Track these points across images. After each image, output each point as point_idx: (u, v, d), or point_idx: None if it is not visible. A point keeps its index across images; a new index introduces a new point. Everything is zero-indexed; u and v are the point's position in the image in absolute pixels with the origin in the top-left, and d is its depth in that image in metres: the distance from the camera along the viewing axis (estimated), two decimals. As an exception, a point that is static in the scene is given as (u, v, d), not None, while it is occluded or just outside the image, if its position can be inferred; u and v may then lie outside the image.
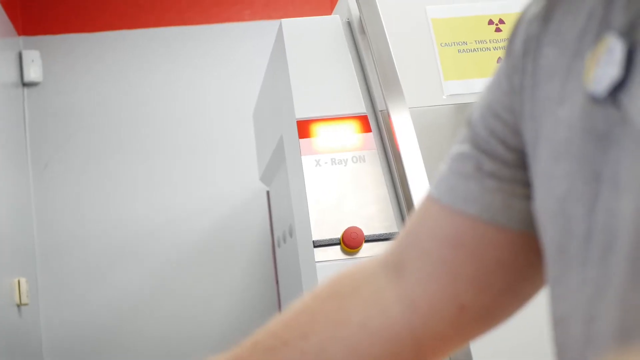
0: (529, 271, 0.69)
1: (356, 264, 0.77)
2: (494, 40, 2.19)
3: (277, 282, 3.06)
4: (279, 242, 2.78)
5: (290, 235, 2.36)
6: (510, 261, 0.68)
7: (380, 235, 1.96)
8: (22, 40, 3.55)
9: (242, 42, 3.66)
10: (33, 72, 3.52)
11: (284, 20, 2.22)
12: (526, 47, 0.64)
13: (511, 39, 0.68)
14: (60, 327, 3.45)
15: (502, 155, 0.68)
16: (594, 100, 0.54)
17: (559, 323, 0.60)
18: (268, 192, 3.10)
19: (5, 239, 3.07)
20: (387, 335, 0.68)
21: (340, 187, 2.01)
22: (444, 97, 2.15)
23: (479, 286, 0.68)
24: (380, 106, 2.10)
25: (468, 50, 2.19)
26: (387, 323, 0.69)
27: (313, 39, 2.19)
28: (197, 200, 3.55)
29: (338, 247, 1.94)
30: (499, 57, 2.18)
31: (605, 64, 0.53)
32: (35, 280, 3.42)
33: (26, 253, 3.37)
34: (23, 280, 3.17)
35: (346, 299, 0.71)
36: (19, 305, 3.14)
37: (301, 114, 2.09)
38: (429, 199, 0.73)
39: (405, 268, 0.71)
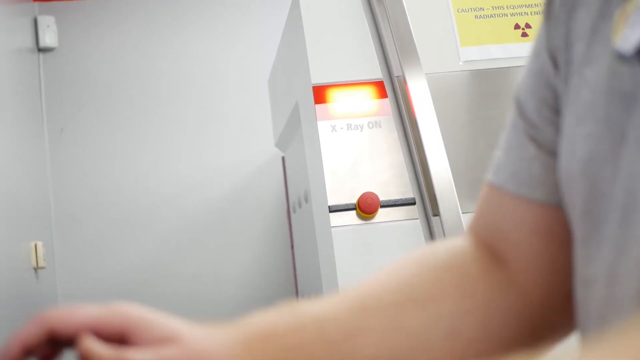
0: None
1: (447, 243, 0.76)
2: (511, 6, 2.18)
3: (292, 247, 3.08)
4: (294, 208, 2.79)
5: (306, 200, 2.36)
6: None
7: (395, 200, 1.97)
8: (37, 5, 3.55)
9: (259, 7, 3.65)
10: (48, 38, 3.52)
11: (300, -15, 2.21)
12: (562, 9, 0.64)
13: (549, 1, 0.67)
14: (76, 291, 3.48)
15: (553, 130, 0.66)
16: (621, 59, 0.54)
17: (583, 285, 0.60)
18: (283, 158, 3.11)
19: (22, 203, 3.10)
20: (508, 317, 0.67)
21: (356, 153, 2.01)
22: (461, 63, 2.14)
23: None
24: (396, 72, 2.09)
25: (485, 16, 2.18)
26: (506, 305, 0.68)
27: (329, 4, 2.18)
28: (212, 167, 3.56)
29: (354, 212, 1.95)
30: (516, 23, 2.17)
31: (633, 23, 0.53)
32: (52, 244, 3.45)
33: (42, 217, 3.39)
34: (40, 244, 3.20)
35: (466, 276, 0.69)
36: (35, 269, 3.17)
37: (317, 79, 2.09)
38: (492, 188, 0.71)
39: (503, 260, 0.70)
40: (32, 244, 3.15)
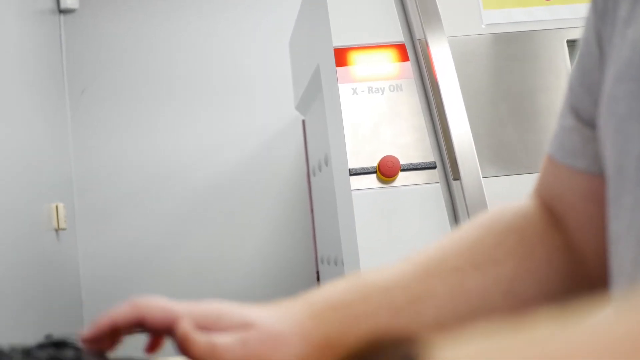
0: None
1: (511, 205, 0.77)
2: (535, -31, 2.16)
3: (311, 211, 3.08)
4: (314, 171, 2.80)
5: (326, 163, 2.36)
6: None
7: (416, 164, 1.97)
8: (58, -34, 3.54)
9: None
10: (69, 0, 3.52)
11: (322, -54, 2.19)
12: None
13: None
14: (97, 252, 3.51)
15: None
16: None
17: (614, 242, 0.60)
18: (304, 121, 3.11)
19: (43, 165, 3.12)
20: (565, 276, 0.69)
21: (376, 116, 2.01)
22: (483, 26, 2.12)
23: None
24: (418, 35, 2.08)
25: (508, -21, 2.16)
26: (564, 265, 0.69)
27: (351, -34, 2.16)
28: (232, 130, 3.56)
29: (374, 175, 1.95)
30: (540, -14, 2.14)
31: None
32: (73, 205, 3.47)
33: (64, 179, 3.41)
34: (61, 206, 3.22)
35: (527, 237, 0.71)
36: (56, 230, 3.20)
37: (338, 42, 2.08)
38: (547, 157, 0.73)
39: (562, 221, 0.71)
40: (53, 206, 3.18)
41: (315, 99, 2.52)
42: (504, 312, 0.67)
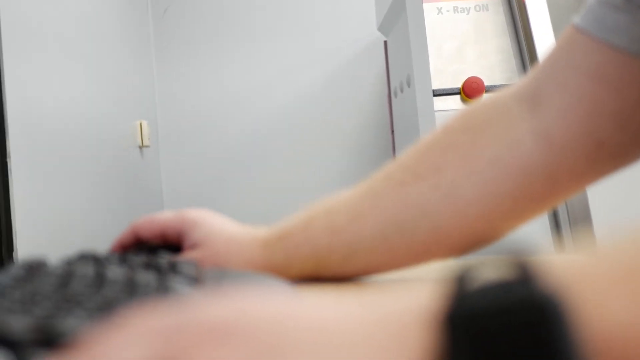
0: None
1: (489, 96, 0.75)
2: None
3: (392, 132, 3.07)
4: (395, 92, 2.78)
5: (408, 85, 2.34)
6: None
7: (501, 86, 1.94)
8: None
9: None
10: None
11: None
12: None
13: None
14: (179, 169, 3.57)
15: None
16: None
17: None
18: (385, 42, 3.07)
19: (127, 83, 3.16)
20: (521, 171, 0.67)
21: (461, 36, 1.98)
22: (575, -57, 2.06)
23: (618, 123, 0.66)
24: (506, -48, 2.03)
25: None
26: (521, 158, 0.67)
27: None
28: (314, 50, 3.55)
29: (458, 96, 1.93)
30: None
31: None
32: (156, 123, 3.53)
33: (147, 96, 3.47)
34: (144, 123, 3.28)
35: (478, 133, 0.69)
36: (140, 147, 3.26)
37: (424, -40, 2.04)
38: (573, 30, 0.69)
39: (542, 101, 0.69)
40: (138, 123, 3.24)
41: (398, 19, 2.49)
42: (445, 217, 0.67)
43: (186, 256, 0.70)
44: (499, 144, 0.68)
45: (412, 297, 0.25)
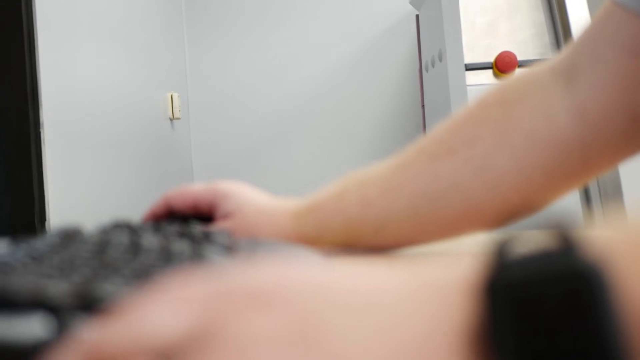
0: None
1: (524, 70, 0.74)
2: None
3: (422, 106, 3.06)
4: (426, 67, 2.76)
5: (440, 59, 2.33)
6: None
7: (534, 61, 1.92)
8: None
9: None
10: None
11: None
12: None
13: None
14: (209, 141, 3.58)
15: None
16: None
17: None
18: (417, 16, 3.05)
19: (159, 56, 3.17)
20: (555, 145, 0.66)
21: (494, 10, 1.96)
22: None
23: None
24: None
25: None
26: (555, 132, 0.66)
27: None
28: (345, 25, 3.53)
29: (490, 71, 1.92)
30: None
31: None
32: (187, 96, 3.54)
33: (178, 69, 3.47)
34: (175, 95, 3.29)
35: (513, 106, 0.69)
36: (171, 119, 3.27)
37: None
38: (610, 4, 0.68)
39: (578, 75, 0.68)
40: (169, 96, 3.24)
41: (431, -8, 2.47)
42: (476, 190, 0.67)
43: (218, 227, 0.70)
44: (535, 117, 0.67)
45: (452, 267, 0.25)
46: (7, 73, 1.96)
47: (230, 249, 0.49)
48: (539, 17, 1.95)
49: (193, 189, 0.74)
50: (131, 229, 0.55)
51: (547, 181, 0.67)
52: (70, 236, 0.43)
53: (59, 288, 0.27)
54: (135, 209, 2.55)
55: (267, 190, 0.75)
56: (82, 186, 2.29)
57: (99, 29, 2.55)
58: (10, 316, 0.26)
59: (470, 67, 1.91)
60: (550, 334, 0.21)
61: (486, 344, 0.22)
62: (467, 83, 1.91)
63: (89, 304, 0.27)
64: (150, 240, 0.43)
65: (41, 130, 2.01)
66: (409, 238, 0.70)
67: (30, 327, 0.25)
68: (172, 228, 0.56)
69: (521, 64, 1.90)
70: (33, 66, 2.00)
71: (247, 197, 0.73)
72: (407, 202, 0.69)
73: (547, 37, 1.94)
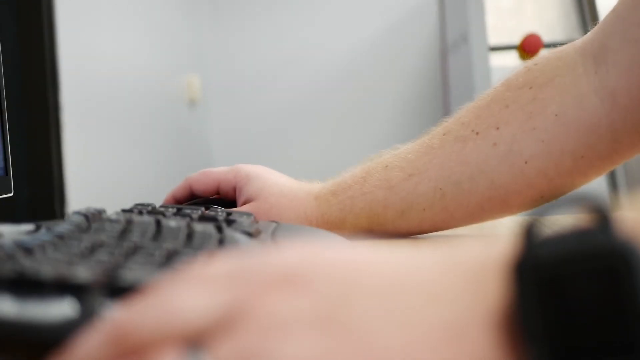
0: None
1: (553, 50, 0.72)
2: None
3: (445, 88, 3.05)
4: (450, 48, 2.75)
5: (464, 40, 2.31)
6: None
7: (560, 43, 1.90)
8: None
9: None
10: None
11: None
12: None
13: None
14: (228, 124, 3.59)
15: None
16: None
17: None
18: (440, -3, 3.03)
19: (178, 38, 3.17)
20: (583, 128, 0.65)
21: (520, -9, 1.94)
22: None
23: None
24: None
25: None
26: (584, 115, 0.65)
27: None
28: (368, 6, 3.52)
29: (515, 52, 1.90)
30: None
31: None
32: (207, 78, 3.54)
33: (198, 52, 3.47)
34: (195, 78, 3.29)
35: (541, 88, 0.67)
36: (191, 102, 3.28)
37: None
38: None
39: (607, 57, 0.66)
40: (188, 78, 3.25)
41: (455, -27, 2.45)
42: (503, 174, 0.66)
43: (241, 210, 0.70)
44: (564, 99, 0.66)
45: (484, 247, 0.25)
46: (27, 56, 1.97)
47: (254, 232, 0.49)
48: (565, -2, 1.94)
49: (215, 171, 0.75)
50: (154, 212, 0.55)
51: (576, 166, 0.66)
52: (94, 219, 0.43)
53: (86, 271, 0.27)
54: (155, 192, 2.56)
55: (288, 174, 0.74)
56: (101, 170, 2.30)
57: (119, 12, 2.55)
58: (39, 299, 0.25)
59: (494, 48, 1.89)
60: (583, 314, 0.21)
61: (517, 326, 0.22)
62: (492, 65, 1.90)
63: (116, 288, 0.27)
64: (174, 223, 0.42)
65: (61, 113, 2.01)
66: (433, 223, 0.70)
67: (59, 309, 0.25)
68: (195, 211, 0.56)
69: (547, 45, 1.89)
70: (52, 50, 2.00)
71: (270, 180, 0.73)
72: (432, 186, 0.68)
73: (574, 18, 1.92)
